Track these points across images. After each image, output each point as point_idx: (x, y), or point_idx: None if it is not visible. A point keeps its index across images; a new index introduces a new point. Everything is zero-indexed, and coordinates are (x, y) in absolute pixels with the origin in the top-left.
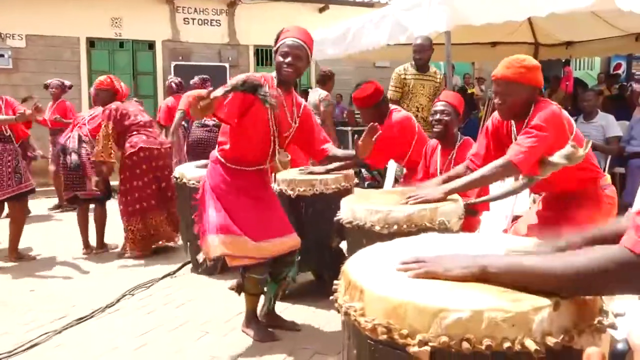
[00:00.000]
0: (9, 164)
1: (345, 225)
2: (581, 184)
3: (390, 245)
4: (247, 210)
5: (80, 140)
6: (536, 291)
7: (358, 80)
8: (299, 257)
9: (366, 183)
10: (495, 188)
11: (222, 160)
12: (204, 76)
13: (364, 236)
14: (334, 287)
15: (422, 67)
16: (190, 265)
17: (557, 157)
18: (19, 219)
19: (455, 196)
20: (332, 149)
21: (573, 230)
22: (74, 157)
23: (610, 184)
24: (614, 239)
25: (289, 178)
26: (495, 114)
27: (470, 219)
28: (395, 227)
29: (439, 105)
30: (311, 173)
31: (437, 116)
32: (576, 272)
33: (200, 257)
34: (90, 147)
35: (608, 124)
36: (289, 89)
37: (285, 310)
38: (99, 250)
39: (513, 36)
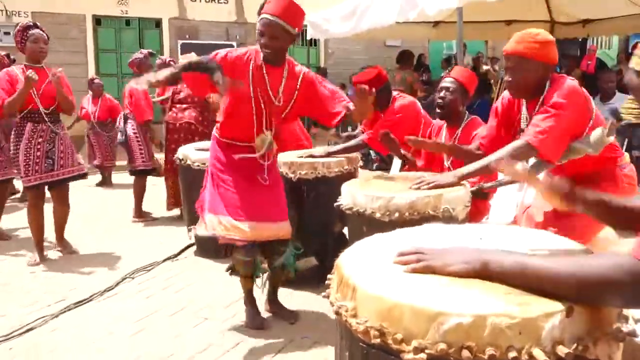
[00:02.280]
0: (38, 146)
1: (345, 212)
2: (598, 165)
3: (389, 237)
4: (237, 188)
5: (125, 119)
6: (543, 295)
7: (368, 60)
8: (299, 244)
9: (374, 165)
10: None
11: (218, 136)
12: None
13: (364, 223)
14: (326, 282)
15: None
16: (193, 249)
17: (581, 143)
18: (57, 209)
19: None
20: (346, 108)
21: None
22: (119, 136)
23: (629, 163)
24: None
25: (290, 160)
26: (506, 93)
27: (478, 206)
28: (397, 214)
29: (445, 82)
30: (311, 156)
31: (442, 93)
32: (580, 280)
33: (193, 231)
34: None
35: None
36: (278, 64)
37: (288, 296)
38: (139, 219)
39: (528, 14)
